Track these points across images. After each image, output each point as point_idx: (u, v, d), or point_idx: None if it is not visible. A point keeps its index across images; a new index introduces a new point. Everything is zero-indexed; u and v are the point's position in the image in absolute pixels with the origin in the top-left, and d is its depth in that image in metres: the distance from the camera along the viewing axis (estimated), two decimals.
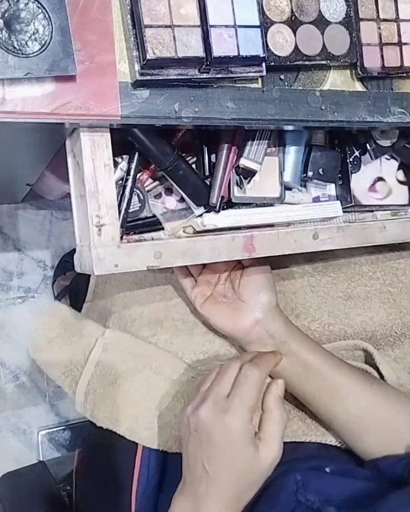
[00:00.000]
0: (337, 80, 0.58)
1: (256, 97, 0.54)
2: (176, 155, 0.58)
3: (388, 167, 0.72)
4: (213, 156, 0.62)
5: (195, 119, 0.52)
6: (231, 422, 0.56)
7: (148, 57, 0.47)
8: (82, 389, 0.73)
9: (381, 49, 0.58)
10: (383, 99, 0.59)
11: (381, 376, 0.71)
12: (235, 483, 0.56)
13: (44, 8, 0.44)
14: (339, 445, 0.69)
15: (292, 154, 0.65)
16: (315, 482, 0.57)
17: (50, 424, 1.21)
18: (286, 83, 0.56)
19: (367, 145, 0.68)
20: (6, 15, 0.43)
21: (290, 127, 0.59)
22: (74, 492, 0.81)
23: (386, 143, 0.68)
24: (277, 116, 0.55)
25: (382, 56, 0.58)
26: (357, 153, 0.69)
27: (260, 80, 0.54)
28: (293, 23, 0.54)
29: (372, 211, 0.70)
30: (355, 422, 0.64)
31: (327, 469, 0.61)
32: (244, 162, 0.60)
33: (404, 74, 0.60)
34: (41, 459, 1.12)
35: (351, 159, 0.68)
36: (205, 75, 0.50)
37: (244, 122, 0.54)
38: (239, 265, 0.69)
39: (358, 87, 0.59)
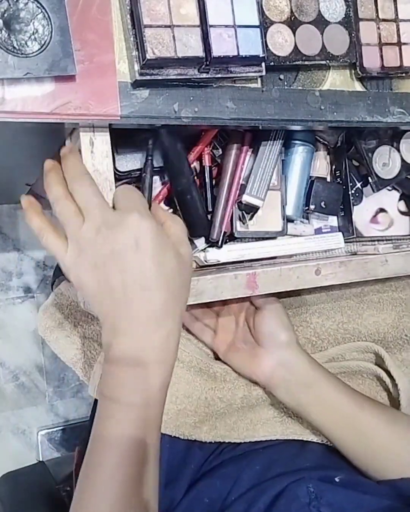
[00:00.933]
0: (337, 80, 0.58)
1: (256, 97, 0.54)
2: (193, 177, 0.58)
3: (390, 198, 0.72)
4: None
5: (195, 119, 0.52)
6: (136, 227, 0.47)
7: (148, 57, 0.47)
8: (97, 372, 0.72)
9: (381, 49, 0.58)
10: (382, 99, 0.59)
11: (392, 379, 0.72)
12: (169, 296, 0.49)
13: (43, 8, 0.44)
14: None
15: (294, 187, 0.66)
16: (328, 495, 0.57)
17: (50, 424, 1.21)
18: (286, 83, 0.56)
19: (369, 178, 0.67)
20: (5, 15, 0.43)
21: (293, 127, 0.59)
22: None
23: (388, 175, 0.68)
24: (276, 116, 0.55)
25: (381, 56, 0.58)
26: (359, 185, 0.69)
27: (259, 80, 0.54)
28: (293, 23, 0.54)
29: (374, 242, 0.71)
30: (374, 457, 0.65)
31: (337, 479, 0.61)
32: (246, 198, 0.61)
33: (404, 74, 0.60)
34: (41, 459, 1.12)
35: (352, 191, 0.69)
36: (204, 75, 0.50)
37: (244, 122, 0.54)
38: (253, 307, 0.69)
39: (358, 87, 0.59)
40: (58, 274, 0.91)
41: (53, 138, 0.57)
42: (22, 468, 0.93)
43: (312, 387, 0.65)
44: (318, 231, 0.69)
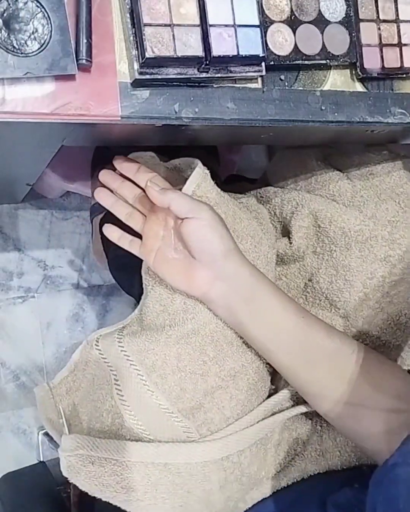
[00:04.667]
0: (337, 80, 0.58)
1: (256, 97, 0.54)
2: None
3: None
4: None
5: (196, 119, 0.52)
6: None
7: (147, 55, 0.47)
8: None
9: (381, 50, 0.58)
10: (383, 100, 0.59)
11: None
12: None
13: (43, 7, 0.44)
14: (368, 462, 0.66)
15: None
16: None
17: None
18: (286, 83, 0.56)
19: None
20: (5, 14, 0.43)
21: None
22: (74, 493, 0.80)
23: None
24: (277, 116, 0.55)
25: (382, 57, 0.58)
26: None
27: (260, 80, 0.54)
28: (293, 23, 0.54)
29: None
30: (326, 389, 0.59)
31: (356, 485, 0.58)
32: None
33: (404, 75, 0.60)
34: (41, 460, 1.11)
35: None
36: (204, 75, 0.50)
37: (244, 122, 0.54)
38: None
39: (358, 87, 0.59)
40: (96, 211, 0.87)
41: (53, 138, 0.57)
42: (22, 469, 0.93)
43: (254, 302, 0.58)
44: None
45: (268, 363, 0.64)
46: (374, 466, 0.59)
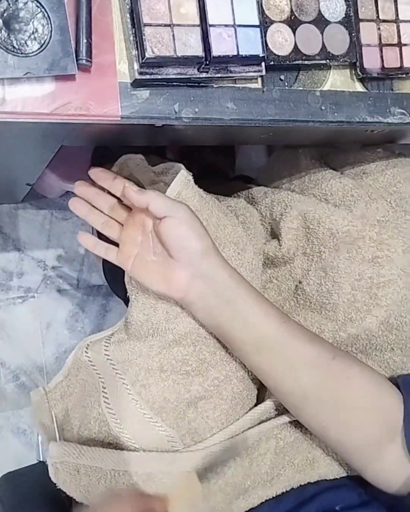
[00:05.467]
0: (337, 80, 0.58)
1: (256, 97, 0.54)
2: None
3: None
4: None
5: (195, 119, 0.52)
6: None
7: (147, 55, 0.47)
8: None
9: (381, 50, 0.58)
10: (383, 100, 0.59)
11: None
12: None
13: (43, 7, 0.44)
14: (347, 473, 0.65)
15: None
16: None
17: None
18: (286, 84, 0.56)
19: None
20: (5, 14, 0.43)
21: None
22: None
23: None
24: (277, 116, 0.55)
25: (381, 57, 0.58)
26: None
27: (260, 80, 0.54)
28: (293, 23, 0.54)
29: None
30: (308, 399, 0.58)
31: (337, 507, 0.58)
32: None
33: (404, 75, 0.60)
34: (41, 460, 1.11)
35: None
36: (204, 75, 0.50)
37: (244, 123, 0.54)
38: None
39: (358, 87, 0.59)
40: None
41: (53, 138, 0.57)
42: (22, 468, 0.92)
43: (233, 305, 0.57)
44: None
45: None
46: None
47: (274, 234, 0.74)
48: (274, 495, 0.63)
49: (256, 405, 0.66)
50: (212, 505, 0.61)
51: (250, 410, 0.64)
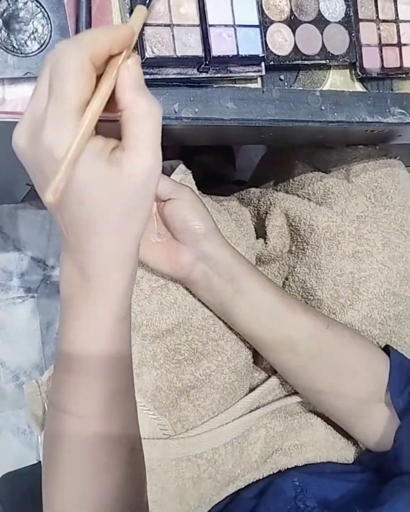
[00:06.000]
0: (337, 80, 0.58)
1: (256, 97, 0.54)
2: None
3: None
4: None
5: (195, 119, 0.52)
6: (50, 139, 0.38)
7: (147, 55, 0.47)
8: None
9: (381, 50, 0.58)
10: (383, 100, 0.59)
11: None
12: (99, 220, 0.41)
13: (43, 7, 0.44)
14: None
15: None
16: (314, 487, 0.56)
17: None
18: (286, 84, 0.56)
19: None
20: (5, 14, 0.43)
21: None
22: None
23: None
24: (276, 116, 0.55)
25: (381, 57, 0.58)
26: None
27: (259, 80, 0.54)
28: (292, 23, 0.54)
29: None
30: (305, 367, 0.61)
31: (329, 470, 0.60)
32: None
33: (404, 75, 0.60)
34: (41, 459, 1.12)
35: None
36: (204, 75, 0.50)
37: (244, 123, 0.54)
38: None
39: (358, 87, 0.59)
40: None
41: None
42: (22, 468, 0.93)
43: (235, 282, 0.59)
44: None
45: (246, 359, 0.65)
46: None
47: (262, 234, 0.76)
48: (261, 477, 0.65)
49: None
50: (202, 492, 0.62)
51: (240, 399, 0.65)
